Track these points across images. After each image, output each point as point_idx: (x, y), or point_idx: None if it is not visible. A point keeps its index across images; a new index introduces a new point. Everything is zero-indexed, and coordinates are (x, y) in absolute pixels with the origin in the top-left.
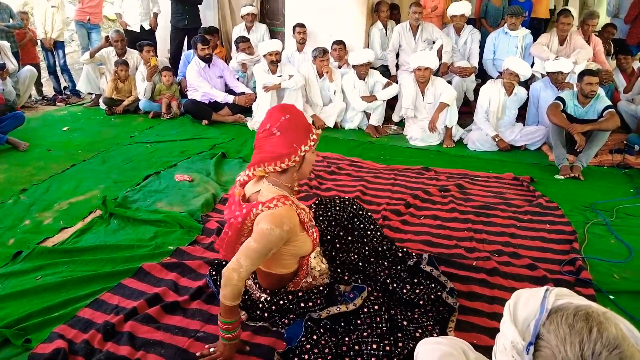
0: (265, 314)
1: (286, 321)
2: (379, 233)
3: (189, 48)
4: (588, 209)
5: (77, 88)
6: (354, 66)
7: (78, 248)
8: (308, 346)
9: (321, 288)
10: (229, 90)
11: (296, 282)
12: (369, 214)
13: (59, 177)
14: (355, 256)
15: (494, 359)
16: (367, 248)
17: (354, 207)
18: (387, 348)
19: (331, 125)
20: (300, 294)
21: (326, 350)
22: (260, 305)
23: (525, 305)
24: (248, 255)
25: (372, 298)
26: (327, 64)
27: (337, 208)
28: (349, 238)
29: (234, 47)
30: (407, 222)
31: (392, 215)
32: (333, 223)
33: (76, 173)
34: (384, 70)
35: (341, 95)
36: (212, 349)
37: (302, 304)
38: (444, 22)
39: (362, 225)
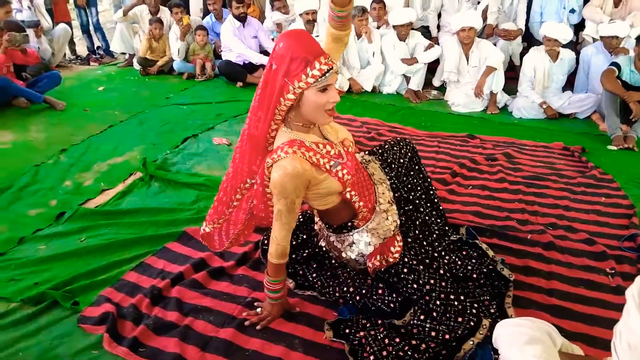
0: (318, 282)
1: (338, 294)
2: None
3: (223, 6)
4: None
5: (110, 48)
6: (394, 27)
7: (120, 210)
8: (364, 321)
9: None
10: (264, 52)
11: (365, 216)
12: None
13: (97, 137)
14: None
15: (614, 355)
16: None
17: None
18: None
19: (369, 89)
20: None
21: (381, 329)
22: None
23: None
24: (278, 218)
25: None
26: (366, 24)
27: (395, 149)
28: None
29: (268, 6)
30: (455, 191)
31: (438, 185)
32: (387, 169)
33: (114, 134)
34: (425, 32)
35: (380, 57)
36: (259, 309)
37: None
38: None
39: (411, 179)
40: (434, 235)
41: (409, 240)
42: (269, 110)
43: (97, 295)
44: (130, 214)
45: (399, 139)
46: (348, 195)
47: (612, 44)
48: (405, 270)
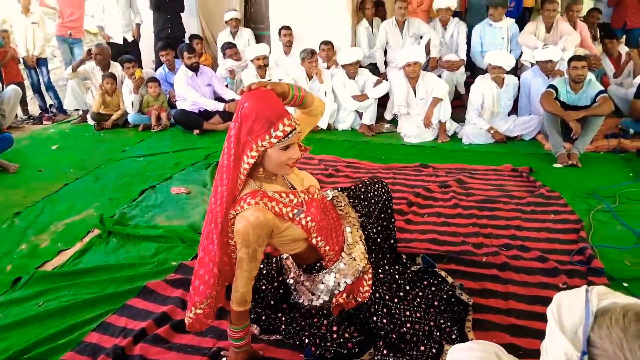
0: (282, 326)
1: (306, 340)
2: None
3: (175, 57)
4: (590, 196)
5: (63, 105)
6: (343, 66)
7: (79, 270)
8: None
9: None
10: (218, 98)
11: (331, 259)
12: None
13: (52, 197)
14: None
15: None
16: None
17: (371, 188)
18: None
19: (324, 127)
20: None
21: None
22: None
23: (569, 310)
24: (239, 266)
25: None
26: (316, 65)
27: (369, 188)
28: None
29: (219, 54)
30: (411, 221)
31: (396, 215)
32: (358, 207)
33: (70, 192)
34: (373, 68)
35: (332, 96)
36: (224, 359)
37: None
38: (430, 17)
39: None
40: (401, 268)
41: (380, 273)
42: (235, 168)
43: None
44: (90, 273)
45: (376, 180)
46: (314, 242)
47: (547, 68)
48: (376, 306)
